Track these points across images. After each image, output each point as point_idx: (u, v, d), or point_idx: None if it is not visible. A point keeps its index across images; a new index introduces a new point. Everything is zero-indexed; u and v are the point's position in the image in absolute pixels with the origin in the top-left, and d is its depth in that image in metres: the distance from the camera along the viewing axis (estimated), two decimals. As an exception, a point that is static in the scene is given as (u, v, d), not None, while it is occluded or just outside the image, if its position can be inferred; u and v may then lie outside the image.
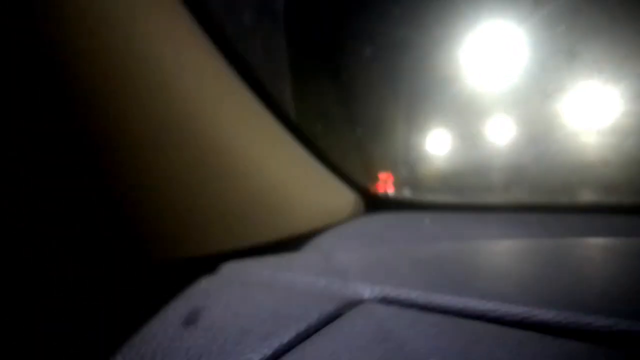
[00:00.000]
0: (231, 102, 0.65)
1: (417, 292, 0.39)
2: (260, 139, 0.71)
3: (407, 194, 1.10)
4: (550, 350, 0.30)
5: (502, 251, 0.56)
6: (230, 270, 0.52)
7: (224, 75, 0.64)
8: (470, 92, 1.23)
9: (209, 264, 0.55)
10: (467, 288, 0.39)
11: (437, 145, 1.20)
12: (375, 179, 1.05)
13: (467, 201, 1.08)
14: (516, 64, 1.20)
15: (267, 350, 0.33)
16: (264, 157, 0.70)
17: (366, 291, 0.41)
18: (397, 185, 1.09)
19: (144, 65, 0.49)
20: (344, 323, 0.36)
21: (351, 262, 0.49)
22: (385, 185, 1.04)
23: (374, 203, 1.02)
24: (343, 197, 0.93)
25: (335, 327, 0.35)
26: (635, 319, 0.31)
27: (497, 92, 1.26)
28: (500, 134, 1.29)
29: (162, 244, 0.57)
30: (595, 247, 0.56)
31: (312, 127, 0.87)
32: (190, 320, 0.39)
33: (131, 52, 0.47)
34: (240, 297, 0.43)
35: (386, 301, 0.39)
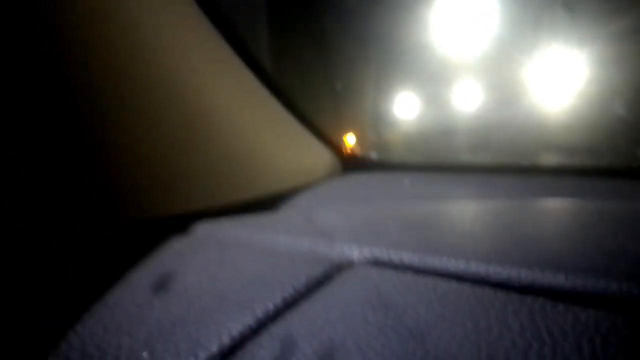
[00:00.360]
0: (206, 55, 0.61)
1: (410, 253, 0.36)
2: (235, 95, 0.66)
3: (380, 155, 1.07)
4: (560, 316, 0.27)
5: (482, 211, 0.54)
6: (205, 230, 0.48)
7: (201, 30, 0.61)
8: (441, 56, 1.22)
9: (180, 224, 0.50)
10: (463, 250, 0.36)
11: (409, 108, 1.18)
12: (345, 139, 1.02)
13: (438, 162, 1.06)
14: (484, 30, 1.18)
15: (250, 319, 0.29)
16: (240, 113, 0.66)
17: (355, 252, 0.38)
18: (370, 146, 1.07)
19: (120, 25, 0.46)
20: (335, 287, 0.33)
21: (335, 222, 0.46)
22: (354, 146, 1.02)
23: (350, 163, 0.99)
24: (320, 157, 0.89)
25: (325, 293, 0.32)
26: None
27: (468, 58, 1.25)
28: (470, 98, 1.28)
29: (129, 203, 0.53)
30: (571, 208, 0.55)
31: (290, 85, 0.83)
32: (161, 285, 0.35)
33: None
34: (217, 260, 0.39)
35: (378, 263, 0.36)
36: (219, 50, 0.65)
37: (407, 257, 0.36)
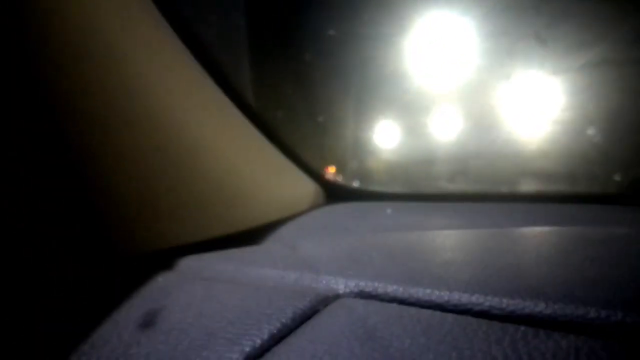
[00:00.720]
0: (190, 90, 0.62)
1: (395, 285, 0.37)
2: (218, 128, 0.67)
3: (363, 184, 1.08)
4: (542, 343, 0.28)
5: (464, 240, 0.55)
6: (190, 265, 0.48)
7: (182, 63, 0.61)
8: (419, 86, 1.25)
9: (164, 259, 0.50)
10: (446, 280, 0.37)
11: (389, 138, 1.20)
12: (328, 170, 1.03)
13: (419, 191, 1.08)
14: (461, 61, 1.22)
15: (238, 356, 0.30)
16: (222, 147, 0.67)
17: (340, 285, 0.38)
18: (353, 175, 1.08)
19: (106, 56, 0.46)
20: (321, 321, 0.33)
21: (320, 254, 0.46)
22: (336, 176, 1.03)
23: (333, 193, 1.00)
24: (304, 188, 0.90)
25: (312, 326, 0.32)
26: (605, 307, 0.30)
27: (445, 87, 1.28)
28: (449, 127, 1.32)
29: (113, 239, 0.52)
30: (548, 234, 0.56)
31: (272, 118, 0.84)
32: (148, 322, 0.35)
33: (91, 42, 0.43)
34: (203, 295, 0.40)
35: (364, 295, 0.37)
36: (202, 85, 0.66)
37: (392, 289, 0.36)
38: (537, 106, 1.19)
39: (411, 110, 1.27)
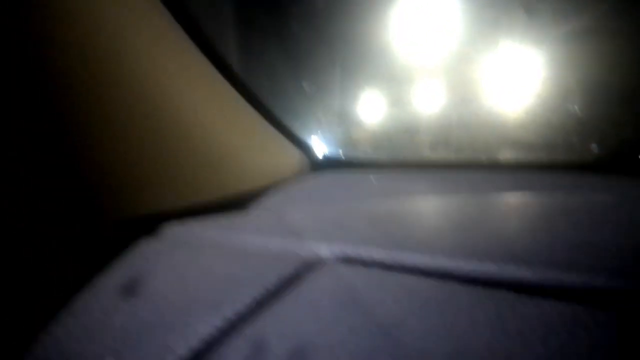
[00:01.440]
0: (174, 56, 0.60)
1: (379, 250, 0.36)
2: (202, 94, 0.65)
3: (349, 153, 1.08)
4: (525, 309, 0.28)
5: (447, 207, 0.55)
6: (173, 231, 0.47)
7: (169, 32, 0.60)
8: (404, 57, 1.24)
9: (147, 225, 0.50)
10: (430, 246, 0.37)
11: (375, 107, 1.19)
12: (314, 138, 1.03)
13: (404, 159, 1.08)
14: (446, 31, 1.22)
15: (220, 321, 0.29)
16: (206, 113, 0.66)
17: (324, 250, 0.38)
18: (339, 145, 1.08)
19: (86, 27, 0.45)
20: (305, 286, 0.33)
21: (305, 221, 0.45)
22: (322, 145, 1.03)
23: (319, 162, 0.99)
24: (289, 157, 0.89)
25: (296, 291, 0.32)
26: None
27: (430, 58, 1.28)
28: (432, 97, 1.32)
29: (97, 205, 0.51)
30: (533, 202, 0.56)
31: (258, 86, 0.82)
32: (129, 289, 0.34)
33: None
34: (185, 261, 0.39)
35: (348, 261, 0.36)
36: (186, 51, 0.64)
37: (376, 254, 0.36)
38: (519, 76, 1.19)
39: (396, 81, 1.26)
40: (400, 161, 1.05)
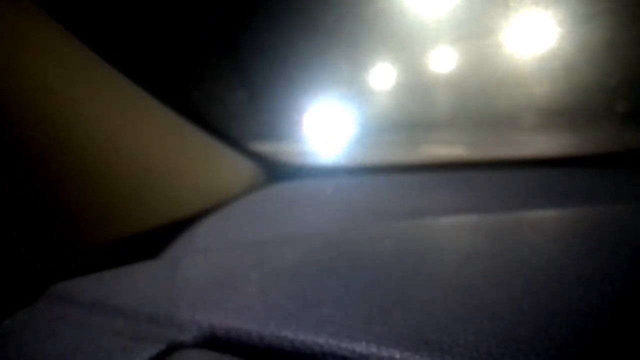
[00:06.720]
0: (93, 83, 0.58)
1: (259, 328, 0.31)
2: (124, 118, 0.60)
3: (313, 159, 1.02)
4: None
5: (399, 251, 0.43)
6: (57, 294, 0.41)
7: (86, 61, 0.57)
8: (365, 46, 1.18)
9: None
10: (340, 325, 0.30)
11: (333, 109, 1.11)
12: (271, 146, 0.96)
13: (367, 162, 1.02)
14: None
15: None
16: (144, 138, 0.61)
17: (194, 327, 0.32)
18: (297, 151, 1.01)
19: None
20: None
21: (194, 276, 0.40)
22: (280, 153, 0.97)
23: (278, 172, 0.93)
24: (236, 169, 0.83)
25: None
26: None
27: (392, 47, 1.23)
28: (401, 93, 1.26)
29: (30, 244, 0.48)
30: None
31: (193, 96, 0.76)
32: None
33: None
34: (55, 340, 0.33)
35: (215, 342, 0.31)
36: (106, 76, 0.60)
37: (256, 332, 0.30)
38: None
39: (356, 73, 1.20)
40: (368, 165, 0.99)
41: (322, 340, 0.28)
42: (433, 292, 0.33)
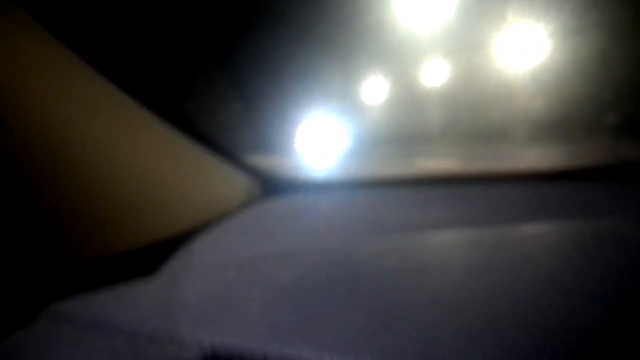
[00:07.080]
0: (86, 96, 0.57)
1: (258, 345, 0.30)
2: (112, 130, 0.60)
3: (307, 173, 1.01)
4: None
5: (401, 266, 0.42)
6: (56, 313, 0.41)
7: (80, 72, 0.56)
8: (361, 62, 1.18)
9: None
10: (340, 342, 0.30)
11: (329, 123, 1.11)
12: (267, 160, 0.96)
13: (363, 176, 1.02)
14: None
15: None
16: (137, 154, 0.61)
17: (195, 346, 0.32)
18: (294, 165, 1.01)
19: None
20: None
21: (193, 294, 0.39)
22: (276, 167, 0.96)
23: (273, 186, 0.93)
24: (231, 184, 0.82)
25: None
26: None
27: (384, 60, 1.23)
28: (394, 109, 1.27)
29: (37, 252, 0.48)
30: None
31: (188, 108, 0.76)
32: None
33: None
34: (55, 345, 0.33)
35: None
36: (100, 89, 0.59)
37: (253, 350, 0.30)
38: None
39: (351, 86, 1.20)
40: (362, 179, 0.99)
41: (327, 357, 0.28)
42: (436, 308, 0.33)
